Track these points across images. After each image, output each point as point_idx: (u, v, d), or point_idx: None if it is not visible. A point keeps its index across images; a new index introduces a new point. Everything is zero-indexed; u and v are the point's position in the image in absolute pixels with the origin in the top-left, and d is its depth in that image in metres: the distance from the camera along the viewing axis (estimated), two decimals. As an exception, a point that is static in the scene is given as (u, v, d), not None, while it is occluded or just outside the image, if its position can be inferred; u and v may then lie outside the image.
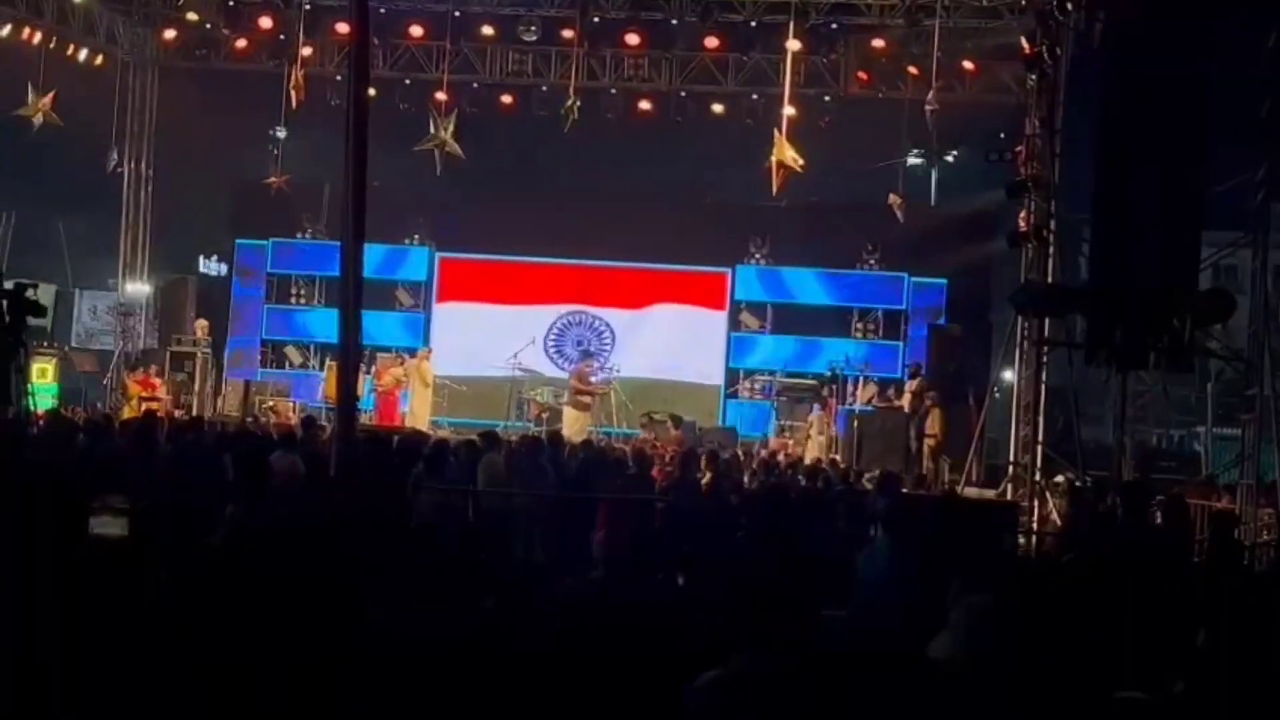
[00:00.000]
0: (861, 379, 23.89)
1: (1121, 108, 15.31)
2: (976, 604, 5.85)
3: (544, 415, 23.73)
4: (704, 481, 14.37)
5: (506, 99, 25.89)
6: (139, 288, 27.56)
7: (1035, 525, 16.48)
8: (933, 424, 20.93)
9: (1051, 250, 18.69)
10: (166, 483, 11.00)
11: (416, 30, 25.03)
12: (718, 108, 25.47)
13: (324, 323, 25.64)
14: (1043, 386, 18.82)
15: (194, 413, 23.01)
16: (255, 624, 6.26)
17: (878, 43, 24.15)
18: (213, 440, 14.69)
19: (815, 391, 23.64)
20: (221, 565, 7.15)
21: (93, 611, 5.49)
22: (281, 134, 25.45)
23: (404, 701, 6.22)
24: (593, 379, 23.84)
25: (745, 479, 16.28)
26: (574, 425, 22.05)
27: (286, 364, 27.00)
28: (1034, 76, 19.86)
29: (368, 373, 22.48)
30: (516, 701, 6.14)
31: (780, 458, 19.77)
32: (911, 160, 24.50)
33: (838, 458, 20.61)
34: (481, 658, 6.44)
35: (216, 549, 7.68)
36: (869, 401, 23.41)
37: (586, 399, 23.00)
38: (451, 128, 23.98)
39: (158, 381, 24.38)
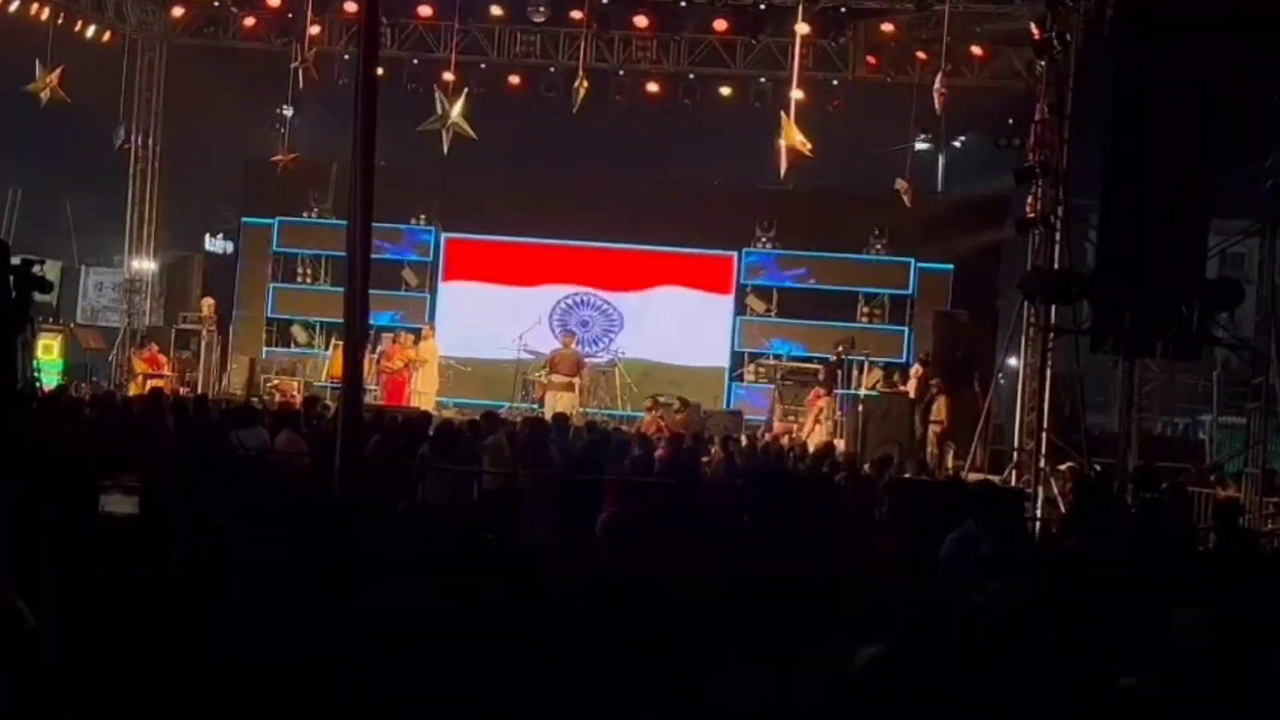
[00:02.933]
0: (867, 364, 23.85)
1: (1132, 94, 15.29)
2: (996, 589, 5.89)
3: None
4: (708, 460, 14.36)
5: (514, 80, 25.83)
6: (145, 265, 27.55)
7: (1039, 512, 16.46)
8: (938, 410, 20.89)
9: (1059, 236, 18.63)
10: (174, 460, 11.01)
11: (425, 10, 24.95)
12: (726, 91, 25.40)
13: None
14: (1049, 373, 18.78)
15: (198, 390, 23.03)
16: (263, 603, 6.27)
17: (887, 27, 24.07)
18: (218, 418, 14.70)
19: (818, 376, 23.60)
20: (228, 544, 7.16)
21: (102, 589, 5.49)
22: (289, 112, 25.38)
23: (408, 682, 6.23)
24: (587, 361, 23.71)
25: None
26: (555, 408, 21.42)
27: (292, 343, 27.01)
28: (1043, 62, 19.79)
29: (372, 353, 22.45)
30: (522, 682, 6.15)
31: (785, 441, 19.76)
32: (920, 145, 24.38)
33: (840, 442, 20.57)
34: (486, 638, 6.45)
35: (224, 528, 7.70)
36: (874, 386, 23.38)
37: (561, 378, 22.53)
38: (460, 107, 23.88)
39: (163, 359, 24.42)
